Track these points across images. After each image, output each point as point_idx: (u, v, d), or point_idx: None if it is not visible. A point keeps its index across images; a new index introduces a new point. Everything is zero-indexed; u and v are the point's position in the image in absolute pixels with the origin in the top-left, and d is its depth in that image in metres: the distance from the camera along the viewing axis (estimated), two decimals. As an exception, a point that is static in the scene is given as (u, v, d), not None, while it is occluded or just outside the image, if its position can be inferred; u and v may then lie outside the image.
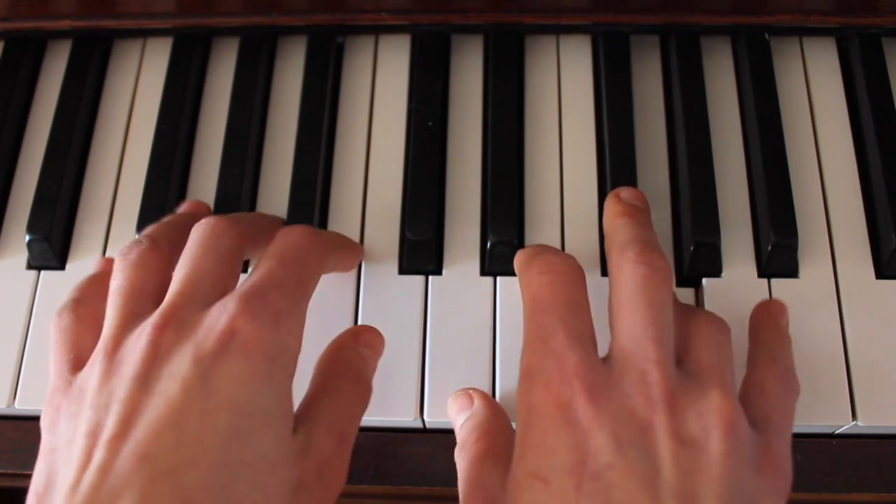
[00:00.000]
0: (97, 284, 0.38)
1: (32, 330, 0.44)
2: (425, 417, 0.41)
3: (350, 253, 0.43)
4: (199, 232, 0.36)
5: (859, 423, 0.40)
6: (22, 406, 0.42)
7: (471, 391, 0.40)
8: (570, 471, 0.31)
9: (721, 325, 0.37)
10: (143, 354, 0.32)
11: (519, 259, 0.39)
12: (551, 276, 0.35)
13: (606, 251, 0.39)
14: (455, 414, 0.39)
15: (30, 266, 0.45)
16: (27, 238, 0.44)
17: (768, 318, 0.41)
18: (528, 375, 0.34)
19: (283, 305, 0.34)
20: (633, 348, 0.33)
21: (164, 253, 0.37)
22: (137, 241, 0.37)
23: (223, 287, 0.35)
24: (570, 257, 0.37)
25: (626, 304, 0.34)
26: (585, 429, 0.31)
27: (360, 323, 0.42)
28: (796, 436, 0.41)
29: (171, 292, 0.34)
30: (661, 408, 0.32)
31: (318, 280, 0.37)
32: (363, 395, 0.37)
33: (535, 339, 0.34)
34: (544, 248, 0.39)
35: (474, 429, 0.37)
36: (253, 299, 0.33)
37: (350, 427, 0.36)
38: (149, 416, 0.30)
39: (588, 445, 0.31)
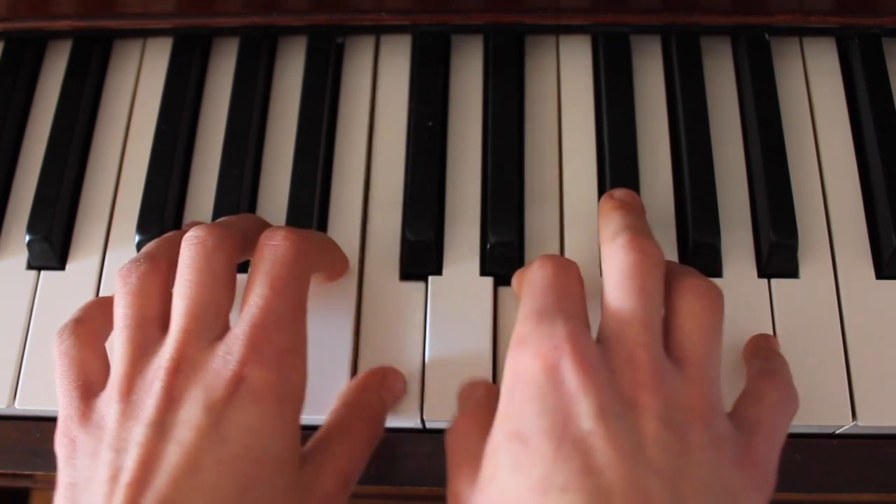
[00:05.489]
0: (101, 304, 0.38)
1: (32, 330, 0.44)
2: (425, 418, 0.41)
3: (336, 254, 0.42)
4: (190, 251, 0.36)
5: (859, 423, 0.40)
6: (22, 406, 0.42)
7: (478, 381, 0.40)
8: (550, 432, 0.31)
9: (711, 305, 0.35)
10: (157, 400, 0.33)
11: (516, 275, 0.41)
12: (549, 269, 0.36)
13: (600, 242, 0.39)
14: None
15: (30, 266, 0.45)
16: (27, 238, 0.44)
17: (766, 341, 0.41)
18: (519, 342, 0.34)
19: (285, 341, 0.34)
20: (622, 331, 0.33)
21: (162, 271, 0.37)
22: (136, 262, 0.37)
23: (225, 312, 0.36)
24: (568, 259, 0.37)
25: (616, 290, 0.34)
26: (571, 393, 0.31)
27: (361, 325, 0.42)
28: (796, 436, 0.41)
29: (175, 328, 0.35)
30: (648, 388, 0.32)
31: (309, 284, 0.37)
32: (375, 437, 0.38)
33: (529, 313, 0.34)
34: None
35: (461, 409, 0.38)
36: (257, 342, 0.34)
37: (357, 471, 0.37)
38: (167, 463, 0.32)
39: (572, 410, 0.31)
